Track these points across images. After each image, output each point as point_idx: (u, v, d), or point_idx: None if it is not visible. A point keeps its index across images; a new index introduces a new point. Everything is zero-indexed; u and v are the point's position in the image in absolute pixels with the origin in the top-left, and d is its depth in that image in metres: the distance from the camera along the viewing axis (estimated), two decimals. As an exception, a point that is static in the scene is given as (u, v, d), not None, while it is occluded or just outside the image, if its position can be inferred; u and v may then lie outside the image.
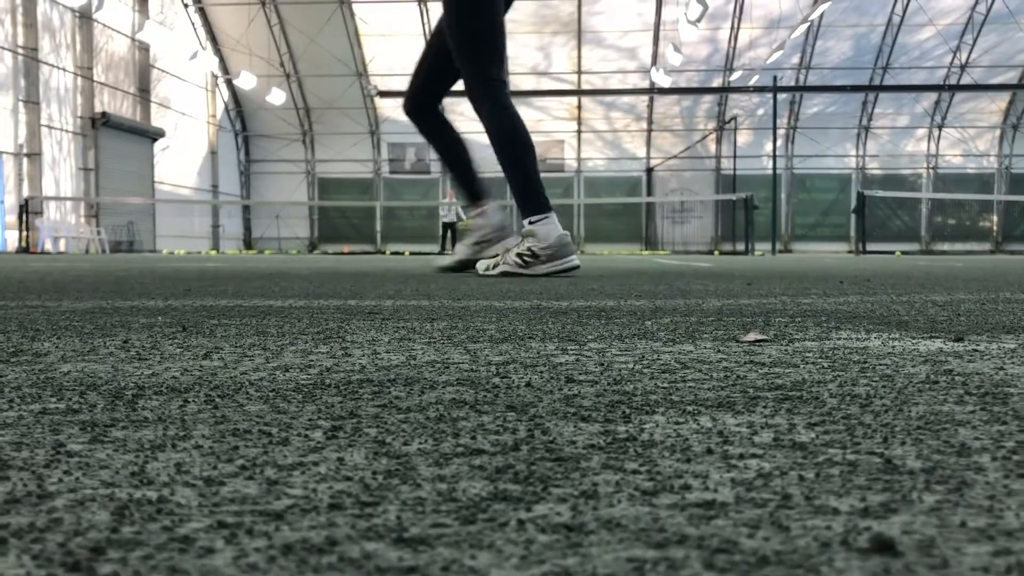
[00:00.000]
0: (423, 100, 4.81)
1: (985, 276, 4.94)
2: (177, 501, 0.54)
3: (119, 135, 24.22)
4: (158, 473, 0.61)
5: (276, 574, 0.42)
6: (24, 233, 20.07)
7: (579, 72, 29.29)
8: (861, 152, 31.36)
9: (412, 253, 23.59)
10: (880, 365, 1.18)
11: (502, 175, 4.39)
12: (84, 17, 22.74)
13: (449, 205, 24.64)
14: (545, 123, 30.29)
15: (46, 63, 21.51)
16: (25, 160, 20.92)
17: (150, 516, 0.51)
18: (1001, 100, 30.79)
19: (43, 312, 2.10)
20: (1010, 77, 29.61)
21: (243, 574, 0.42)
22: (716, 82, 29.85)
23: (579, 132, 30.64)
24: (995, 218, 31.50)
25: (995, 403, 0.89)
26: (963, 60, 28.93)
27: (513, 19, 27.37)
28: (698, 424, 0.78)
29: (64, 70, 22.37)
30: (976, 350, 1.35)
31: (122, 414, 0.83)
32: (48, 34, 21.76)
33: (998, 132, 31.24)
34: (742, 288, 3.38)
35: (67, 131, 22.66)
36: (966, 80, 29.17)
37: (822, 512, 0.52)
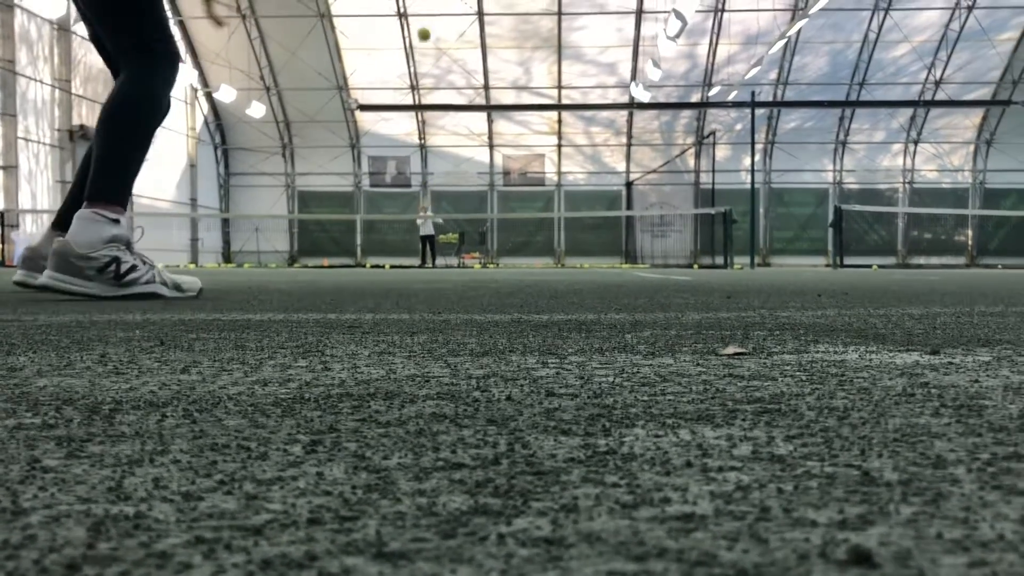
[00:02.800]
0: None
1: (960, 290, 4.99)
2: (155, 516, 0.54)
3: (97, 148, 24.01)
4: (135, 488, 0.60)
5: (255, 590, 0.42)
6: (0, 246, 19.87)
7: (559, 87, 29.39)
8: (838, 167, 31.62)
9: (393, 266, 23.52)
10: (857, 378, 1.19)
11: None
12: (62, 29, 22.60)
13: (426, 218, 24.61)
14: (526, 137, 30.33)
15: (23, 75, 21.34)
16: (1, 173, 20.72)
17: (127, 532, 0.50)
18: (975, 116, 31.19)
19: (19, 326, 2.07)
20: (983, 93, 30.00)
21: (221, 590, 0.42)
22: (695, 97, 30.06)
23: (559, 146, 30.71)
24: (970, 232, 31.84)
25: (970, 415, 0.89)
26: (937, 76, 29.29)
27: (494, 34, 27.65)
28: (677, 437, 0.78)
29: (42, 83, 22.20)
30: (952, 363, 1.36)
31: (99, 429, 0.82)
32: (25, 46, 21.59)
33: (972, 147, 31.61)
34: (721, 301, 3.40)
35: (44, 144, 22.46)
36: (941, 96, 29.53)
37: (800, 524, 0.52)
